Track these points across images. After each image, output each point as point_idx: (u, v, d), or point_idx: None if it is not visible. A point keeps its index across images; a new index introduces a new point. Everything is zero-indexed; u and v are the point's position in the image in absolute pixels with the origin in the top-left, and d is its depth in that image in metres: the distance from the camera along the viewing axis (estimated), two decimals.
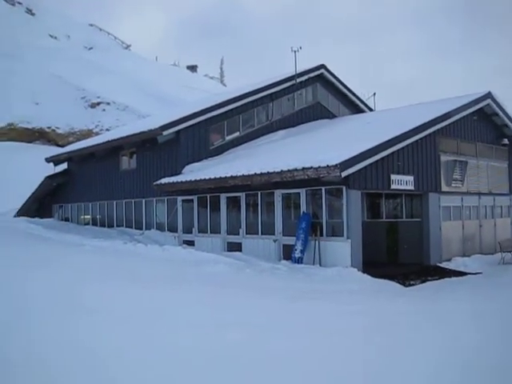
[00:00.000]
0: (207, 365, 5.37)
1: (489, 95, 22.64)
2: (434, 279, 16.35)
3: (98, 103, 58.14)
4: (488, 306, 9.82)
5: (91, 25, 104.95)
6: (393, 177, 17.79)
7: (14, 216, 31.58)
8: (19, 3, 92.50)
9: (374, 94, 31.45)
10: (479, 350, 6.23)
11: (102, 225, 28.16)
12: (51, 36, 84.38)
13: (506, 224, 24.57)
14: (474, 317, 8.45)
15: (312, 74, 28.46)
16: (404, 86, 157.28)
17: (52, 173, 32.50)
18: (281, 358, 5.73)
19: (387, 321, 8.39)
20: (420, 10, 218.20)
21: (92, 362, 5.27)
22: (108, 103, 58.21)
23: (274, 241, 18.41)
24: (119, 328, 6.67)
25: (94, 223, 29.08)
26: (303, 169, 16.25)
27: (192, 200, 22.21)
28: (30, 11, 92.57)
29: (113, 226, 27.09)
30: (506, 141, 24.21)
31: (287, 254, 17.75)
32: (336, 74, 29.71)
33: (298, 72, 27.01)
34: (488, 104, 22.77)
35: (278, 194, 18.52)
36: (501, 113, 23.42)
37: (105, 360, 5.34)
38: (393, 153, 17.62)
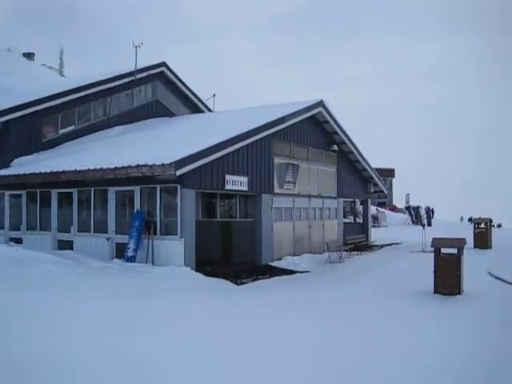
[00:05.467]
0: None
1: (321, 103, 23.77)
2: (265, 278, 16.88)
3: None
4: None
5: None
6: (227, 177, 18.05)
7: None
8: None
9: (214, 95, 31.83)
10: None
11: None
12: None
13: (333, 225, 26.05)
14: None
15: (152, 71, 28.23)
16: (245, 89, 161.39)
17: None
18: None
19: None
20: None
21: None
22: None
23: (107, 239, 17.94)
24: None
25: None
26: (138, 166, 15.98)
27: (21, 195, 21.01)
28: None
29: None
30: (335, 147, 25.64)
31: (120, 252, 17.37)
32: (178, 73, 29.71)
33: (138, 68, 26.58)
34: (320, 111, 23.92)
35: (112, 191, 18.08)
36: (331, 120, 24.73)
37: None
38: (228, 154, 17.91)
